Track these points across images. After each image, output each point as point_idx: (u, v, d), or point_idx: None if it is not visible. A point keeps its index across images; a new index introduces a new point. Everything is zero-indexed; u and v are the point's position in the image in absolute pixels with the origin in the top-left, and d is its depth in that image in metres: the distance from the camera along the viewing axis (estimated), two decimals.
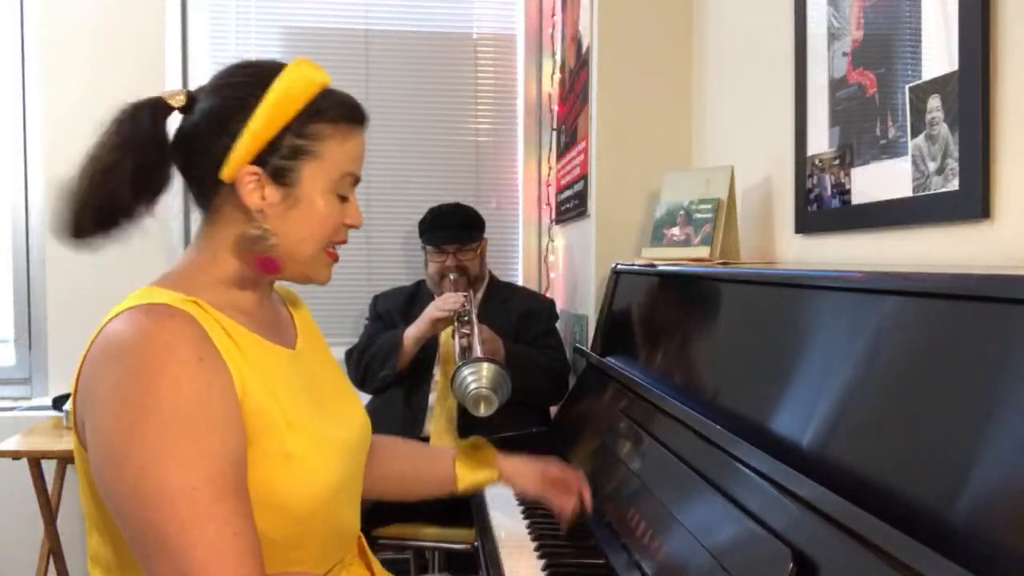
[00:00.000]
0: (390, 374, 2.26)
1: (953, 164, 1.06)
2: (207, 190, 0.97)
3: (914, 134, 1.15)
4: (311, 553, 0.97)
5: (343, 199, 1.00)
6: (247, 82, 0.95)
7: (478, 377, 1.57)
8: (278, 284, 1.12)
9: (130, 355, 0.84)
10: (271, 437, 0.90)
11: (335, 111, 0.98)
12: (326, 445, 0.98)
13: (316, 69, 0.97)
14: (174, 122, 0.98)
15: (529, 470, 1.32)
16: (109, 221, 0.94)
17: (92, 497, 0.92)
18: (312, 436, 0.95)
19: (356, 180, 1.03)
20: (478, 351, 1.87)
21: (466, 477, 1.29)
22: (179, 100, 0.96)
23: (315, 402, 1.01)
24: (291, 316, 1.13)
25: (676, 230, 1.72)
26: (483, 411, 1.57)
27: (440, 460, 1.32)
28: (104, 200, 0.92)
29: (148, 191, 0.95)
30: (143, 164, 0.93)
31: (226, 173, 0.94)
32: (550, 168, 3.03)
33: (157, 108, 0.96)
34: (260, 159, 0.94)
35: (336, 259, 1.03)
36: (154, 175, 0.95)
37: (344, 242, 1.03)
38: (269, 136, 0.94)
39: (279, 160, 0.95)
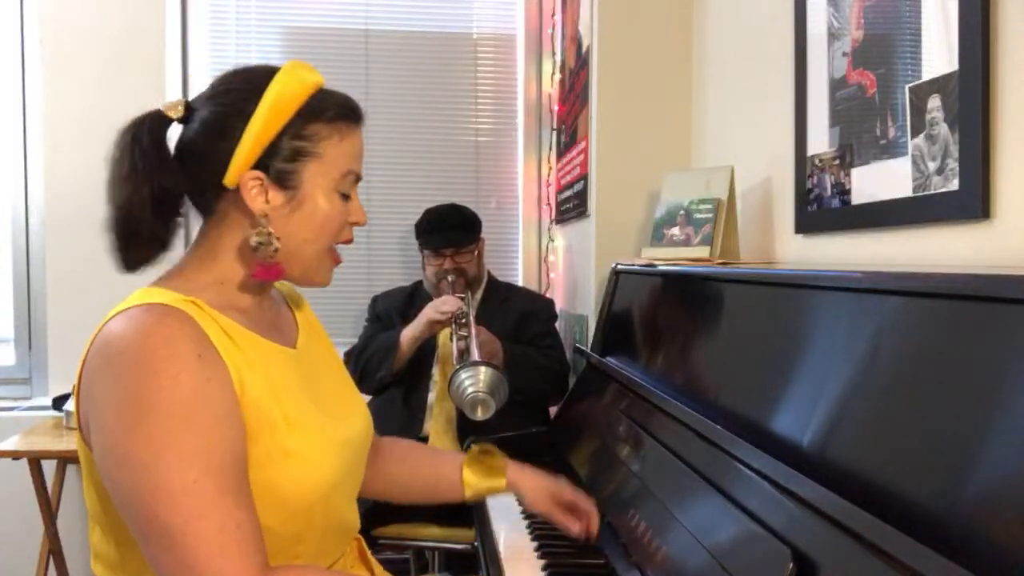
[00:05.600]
0: (386, 375, 2.26)
1: (953, 164, 1.06)
2: (210, 196, 0.98)
3: (914, 134, 1.15)
4: (310, 547, 0.98)
5: (346, 198, 1.01)
6: (243, 88, 0.96)
7: (475, 381, 1.57)
8: (279, 283, 1.13)
9: (129, 353, 0.85)
10: (270, 435, 0.91)
11: (332, 111, 0.98)
12: (325, 441, 0.98)
13: (310, 70, 0.98)
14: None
15: (540, 486, 1.26)
16: (151, 250, 0.98)
17: (96, 494, 0.93)
18: (311, 433, 0.96)
19: (358, 178, 1.03)
20: (475, 354, 1.87)
21: (474, 484, 1.24)
22: (178, 111, 0.97)
23: (315, 400, 1.01)
24: (293, 315, 1.13)
25: (676, 230, 1.72)
26: (480, 415, 1.57)
27: (448, 465, 1.27)
28: (139, 236, 0.95)
29: (171, 210, 0.98)
30: (160, 187, 0.95)
31: (229, 179, 0.95)
32: (550, 168, 3.03)
33: (155, 122, 0.96)
34: (261, 163, 0.95)
35: (339, 261, 1.04)
36: (170, 194, 0.97)
37: (350, 241, 1.04)
38: (268, 139, 0.95)
39: (280, 163, 0.96)
